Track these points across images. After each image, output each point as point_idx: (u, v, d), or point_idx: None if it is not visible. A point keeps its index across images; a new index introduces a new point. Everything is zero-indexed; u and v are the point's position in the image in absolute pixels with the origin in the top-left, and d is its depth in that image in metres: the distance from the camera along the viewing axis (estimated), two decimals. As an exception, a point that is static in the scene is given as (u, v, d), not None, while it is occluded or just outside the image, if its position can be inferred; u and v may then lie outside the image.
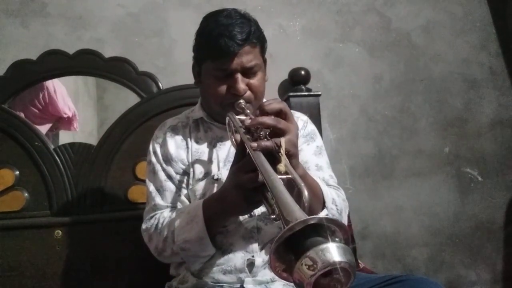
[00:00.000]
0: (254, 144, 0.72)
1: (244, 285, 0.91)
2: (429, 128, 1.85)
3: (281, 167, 0.67)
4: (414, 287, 0.83)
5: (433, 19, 1.91)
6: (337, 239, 0.49)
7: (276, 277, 0.92)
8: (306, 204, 0.60)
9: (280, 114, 0.78)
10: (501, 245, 1.84)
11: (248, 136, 0.78)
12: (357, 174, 1.78)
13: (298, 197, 0.62)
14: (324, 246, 0.46)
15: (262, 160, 0.69)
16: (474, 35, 1.94)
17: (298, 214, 0.52)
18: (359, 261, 1.55)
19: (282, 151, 0.71)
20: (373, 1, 1.88)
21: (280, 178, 0.64)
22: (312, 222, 0.48)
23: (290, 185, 0.65)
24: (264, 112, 0.77)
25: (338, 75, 1.81)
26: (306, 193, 0.61)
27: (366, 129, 1.81)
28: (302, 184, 0.63)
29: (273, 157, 0.72)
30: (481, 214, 1.84)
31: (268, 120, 0.75)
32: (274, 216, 0.66)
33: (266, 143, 0.73)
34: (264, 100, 1.07)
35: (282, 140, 0.72)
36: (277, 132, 0.76)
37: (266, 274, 0.93)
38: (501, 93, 1.92)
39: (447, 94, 1.88)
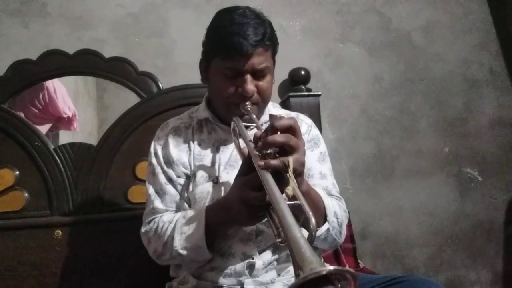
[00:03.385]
0: (262, 163, 0.72)
1: (245, 286, 0.92)
2: (429, 128, 1.85)
3: (289, 191, 0.67)
4: (414, 288, 0.84)
5: (433, 19, 1.91)
6: (342, 286, 0.49)
7: (276, 278, 0.93)
8: (313, 234, 0.61)
9: (289, 130, 0.77)
10: (501, 245, 1.84)
11: (256, 152, 0.77)
12: (357, 174, 1.78)
13: (306, 221, 0.63)
14: None
15: (270, 184, 0.68)
16: (474, 35, 1.94)
17: (311, 260, 0.51)
18: (359, 261, 1.55)
19: (290, 171, 0.70)
20: (373, 1, 1.88)
21: (288, 204, 0.64)
22: (325, 273, 0.47)
23: (297, 206, 0.66)
24: (274, 129, 0.76)
25: (338, 75, 1.81)
26: (314, 221, 0.62)
27: (366, 129, 1.81)
28: (310, 213, 0.64)
29: (280, 174, 0.72)
30: (481, 214, 1.84)
31: (279, 138, 0.74)
32: (280, 239, 0.66)
33: (274, 162, 0.72)
34: (270, 103, 1.07)
35: (290, 160, 0.72)
36: (286, 149, 0.75)
37: (267, 276, 0.93)
38: (501, 93, 1.92)
39: (447, 94, 1.88)
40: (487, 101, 1.91)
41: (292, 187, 0.68)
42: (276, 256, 0.95)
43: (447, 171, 1.84)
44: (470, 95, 1.90)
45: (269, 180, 0.69)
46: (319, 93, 1.65)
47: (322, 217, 0.89)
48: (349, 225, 1.55)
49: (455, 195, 1.84)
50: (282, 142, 0.74)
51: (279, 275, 0.94)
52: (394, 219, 1.78)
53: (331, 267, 0.47)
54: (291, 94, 1.61)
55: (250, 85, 0.92)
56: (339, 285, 0.49)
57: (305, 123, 1.11)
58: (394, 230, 1.78)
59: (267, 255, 0.95)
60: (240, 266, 0.93)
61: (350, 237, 1.55)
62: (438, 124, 1.86)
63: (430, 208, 1.81)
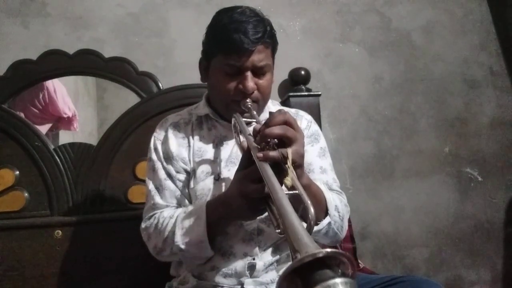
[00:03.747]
0: (260, 155, 0.72)
1: (245, 286, 0.92)
2: (429, 128, 1.85)
3: (288, 181, 0.67)
4: (414, 288, 0.84)
5: (433, 19, 1.91)
6: (344, 272, 0.49)
7: (277, 278, 0.93)
8: (312, 223, 0.61)
9: (285, 124, 0.77)
10: (501, 245, 1.84)
11: (255, 145, 0.77)
12: (357, 174, 1.78)
13: (304, 211, 0.63)
14: (331, 281, 0.46)
15: (269, 174, 0.68)
16: (474, 35, 1.94)
17: (307, 244, 0.51)
18: (359, 261, 1.55)
19: (289, 162, 0.71)
20: (373, 1, 1.88)
21: (287, 194, 0.64)
22: (321, 255, 0.48)
23: (296, 197, 0.65)
24: (270, 125, 0.77)
25: (338, 75, 1.81)
26: (312, 211, 0.62)
27: (366, 129, 1.81)
28: (309, 202, 0.63)
29: (279, 166, 0.72)
30: (481, 214, 1.84)
31: (276, 130, 0.75)
32: (279, 230, 0.66)
33: (273, 153, 0.72)
34: (270, 100, 1.07)
35: (289, 151, 0.72)
36: (284, 141, 0.75)
37: (267, 277, 0.93)
38: (501, 93, 1.92)
39: (447, 94, 1.88)
40: (487, 101, 1.91)
41: (291, 177, 0.68)
42: (277, 257, 0.95)
43: (447, 171, 1.84)
44: (470, 95, 1.90)
45: (268, 171, 0.69)
46: (319, 93, 1.65)
47: (323, 211, 0.89)
48: (349, 225, 1.55)
49: (455, 195, 1.84)
50: (279, 133, 0.75)
51: (279, 275, 0.94)
52: (394, 219, 1.78)
53: (328, 250, 0.47)
54: (291, 94, 1.61)
55: (250, 82, 0.93)
56: (339, 270, 0.49)
57: (305, 119, 1.12)
58: (394, 230, 1.78)
59: (268, 256, 0.95)
60: (240, 266, 0.93)
61: (350, 237, 1.55)
62: (438, 124, 1.86)
63: (430, 208, 1.81)
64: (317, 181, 0.94)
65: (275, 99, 1.70)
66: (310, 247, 0.50)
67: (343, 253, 0.49)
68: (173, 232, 0.92)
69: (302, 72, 1.66)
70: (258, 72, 0.94)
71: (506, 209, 1.86)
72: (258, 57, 0.92)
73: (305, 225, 0.62)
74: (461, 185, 1.84)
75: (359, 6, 1.86)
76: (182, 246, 0.90)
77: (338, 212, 0.92)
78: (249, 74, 0.93)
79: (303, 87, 1.65)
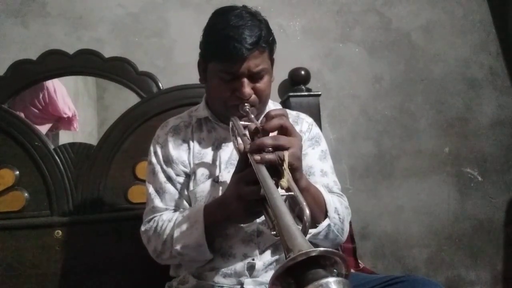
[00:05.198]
0: (258, 157, 0.72)
1: (244, 286, 0.92)
2: (429, 128, 1.85)
3: (284, 183, 0.68)
4: (414, 288, 0.84)
5: (433, 19, 1.91)
6: (337, 271, 0.49)
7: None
8: (307, 224, 0.61)
9: (281, 129, 0.78)
10: (501, 245, 1.84)
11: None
12: (357, 174, 1.78)
13: (300, 212, 0.63)
14: (324, 280, 0.46)
15: (265, 176, 0.69)
16: (474, 35, 1.94)
17: (300, 243, 0.51)
18: (359, 261, 1.55)
19: (285, 165, 0.71)
20: (373, 1, 1.88)
21: (282, 195, 0.64)
22: (314, 254, 0.48)
23: (293, 199, 0.66)
24: (265, 132, 0.77)
25: (338, 75, 1.81)
26: (307, 212, 0.62)
27: (366, 129, 1.81)
28: (304, 203, 0.63)
29: (276, 169, 0.72)
30: (481, 214, 1.84)
31: (267, 140, 0.75)
32: (275, 232, 0.66)
33: (270, 156, 0.73)
34: (270, 101, 1.07)
35: (286, 154, 0.72)
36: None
37: (267, 276, 0.93)
38: (501, 93, 1.92)
39: (447, 94, 1.88)
40: (487, 101, 1.91)
41: (286, 179, 0.68)
42: (277, 257, 0.95)
43: (447, 171, 1.84)
44: (470, 95, 1.90)
45: (263, 172, 0.70)
46: (319, 93, 1.65)
47: (323, 213, 0.89)
48: (349, 225, 1.55)
49: (455, 195, 1.84)
50: (271, 144, 0.75)
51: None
52: (394, 219, 1.78)
53: (321, 249, 0.48)
54: (291, 94, 1.61)
55: (247, 88, 0.92)
56: (333, 270, 0.49)
57: (306, 121, 1.11)
58: (394, 230, 1.78)
59: (268, 256, 0.95)
60: (240, 266, 0.93)
61: (350, 237, 1.55)
62: (438, 124, 1.86)
63: (430, 208, 1.81)
64: (318, 184, 0.94)
65: (275, 99, 1.70)
66: (304, 246, 0.50)
67: (337, 252, 0.49)
68: (171, 235, 0.93)
69: (302, 72, 1.66)
70: (255, 76, 0.94)
71: (506, 209, 1.86)
72: (254, 63, 0.91)
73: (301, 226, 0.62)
74: (461, 185, 1.84)
75: (359, 6, 1.86)
76: (181, 250, 0.91)
77: (338, 214, 0.92)
78: (245, 80, 0.92)
79: (303, 87, 1.65)
